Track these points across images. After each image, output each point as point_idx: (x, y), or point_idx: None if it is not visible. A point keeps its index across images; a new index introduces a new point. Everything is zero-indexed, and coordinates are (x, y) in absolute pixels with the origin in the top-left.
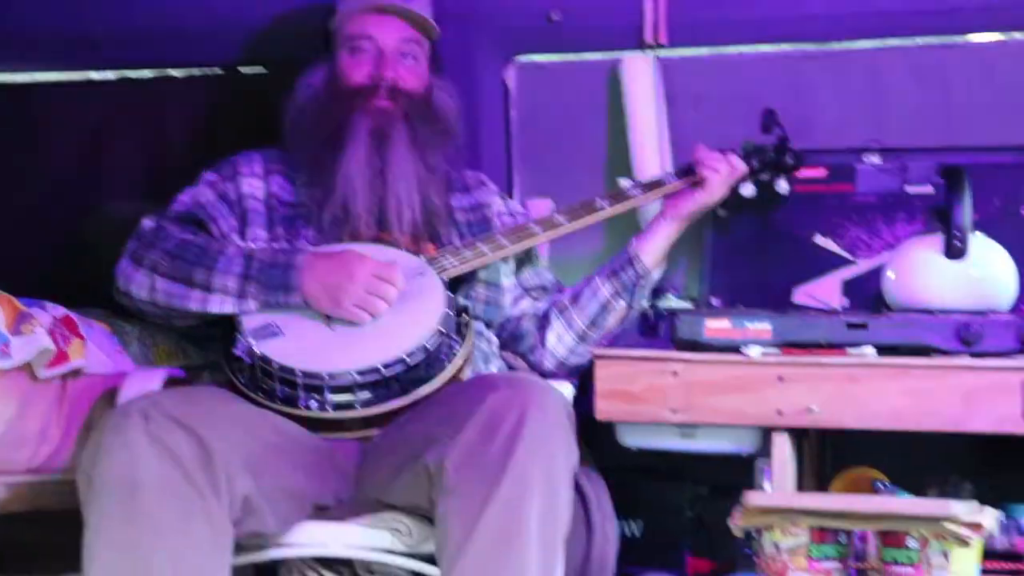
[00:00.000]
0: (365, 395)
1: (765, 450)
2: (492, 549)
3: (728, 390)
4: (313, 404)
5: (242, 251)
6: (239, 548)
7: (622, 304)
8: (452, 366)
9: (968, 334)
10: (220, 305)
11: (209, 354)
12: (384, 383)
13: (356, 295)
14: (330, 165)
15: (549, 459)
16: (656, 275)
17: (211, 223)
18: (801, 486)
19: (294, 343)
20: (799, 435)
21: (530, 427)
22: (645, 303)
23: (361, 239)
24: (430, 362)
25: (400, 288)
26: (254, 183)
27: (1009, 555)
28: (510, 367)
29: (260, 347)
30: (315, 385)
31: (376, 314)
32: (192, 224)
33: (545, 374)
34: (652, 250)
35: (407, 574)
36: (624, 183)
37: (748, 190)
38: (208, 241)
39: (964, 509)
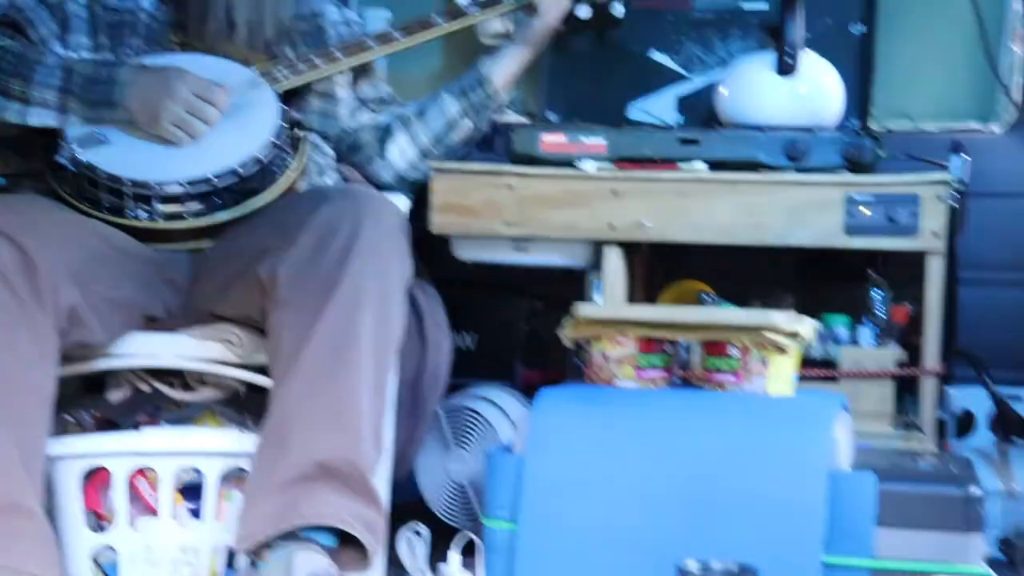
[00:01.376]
0: (195, 206)
1: (597, 264)
2: (324, 360)
3: (562, 204)
4: (141, 214)
5: (62, 62)
6: (65, 359)
7: (468, 124)
8: (285, 178)
9: (795, 150)
10: (40, 118)
11: (31, 161)
12: (215, 194)
13: (174, 114)
14: None
15: (383, 271)
16: (504, 98)
17: (28, 27)
18: (631, 299)
19: (121, 152)
20: (630, 249)
21: (364, 238)
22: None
23: (192, 49)
24: (263, 174)
25: (223, 109)
26: None
27: (824, 362)
28: (346, 180)
29: (85, 155)
30: (143, 195)
31: (195, 135)
32: (7, 27)
33: (382, 187)
34: (503, 73)
35: (239, 385)
36: (461, 0)
37: (583, 11)
38: (25, 48)
39: (783, 319)
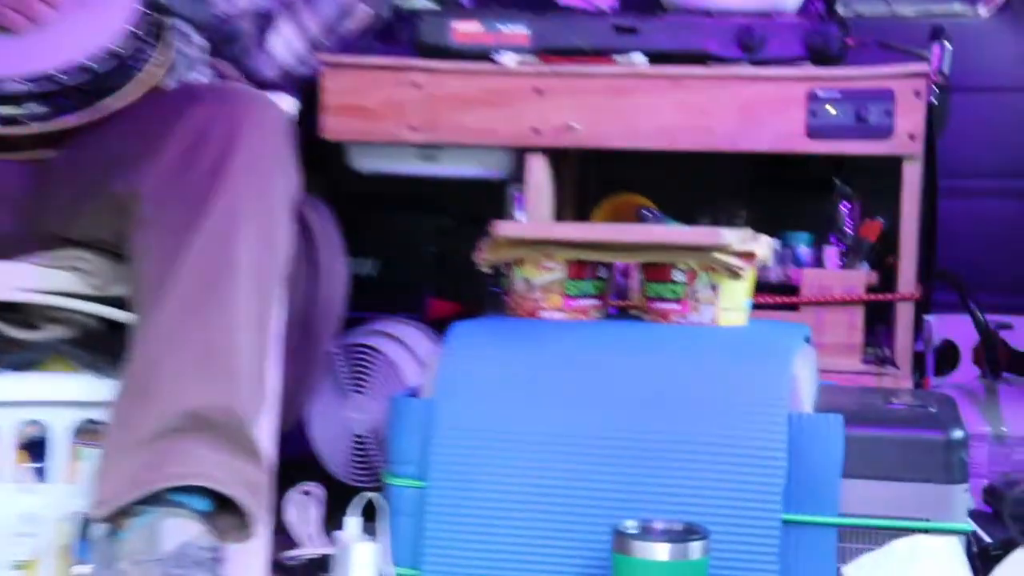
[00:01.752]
0: (37, 108)
1: (518, 174)
2: (197, 290)
3: (477, 105)
4: None
5: None
6: None
7: (366, 9)
8: (147, 75)
9: (749, 39)
10: None
11: None
12: (62, 94)
13: None
14: None
15: (265, 184)
16: None
17: None
18: (559, 215)
19: None
20: (557, 157)
21: (243, 146)
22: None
23: None
24: (120, 69)
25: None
26: None
27: (783, 287)
28: (221, 77)
29: None
30: None
31: (35, 19)
32: None
33: (264, 85)
34: None
35: (92, 321)
36: None
37: None
38: None
39: (736, 237)
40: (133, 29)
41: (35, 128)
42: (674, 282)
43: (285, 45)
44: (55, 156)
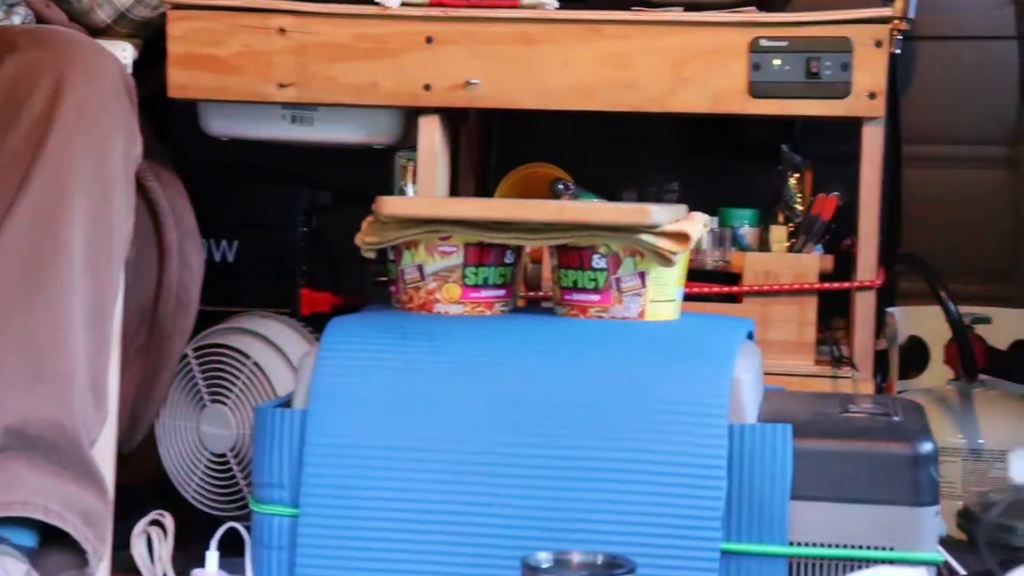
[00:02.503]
0: None
1: (407, 140)
2: (16, 279)
3: (357, 56)
4: None
5: None
6: None
7: None
8: None
9: None
10: None
11: None
12: None
13: None
14: None
15: (99, 150)
16: None
17: None
18: (456, 189)
19: None
20: (454, 119)
21: (70, 103)
22: None
23: None
24: None
25: None
26: None
27: (722, 275)
28: (41, 20)
29: None
30: None
31: None
32: None
33: (96, 31)
34: None
35: None
36: None
37: None
38: None
39: (667, 216)
40: None
41: None
42: (594, 269)
43: None
44: None
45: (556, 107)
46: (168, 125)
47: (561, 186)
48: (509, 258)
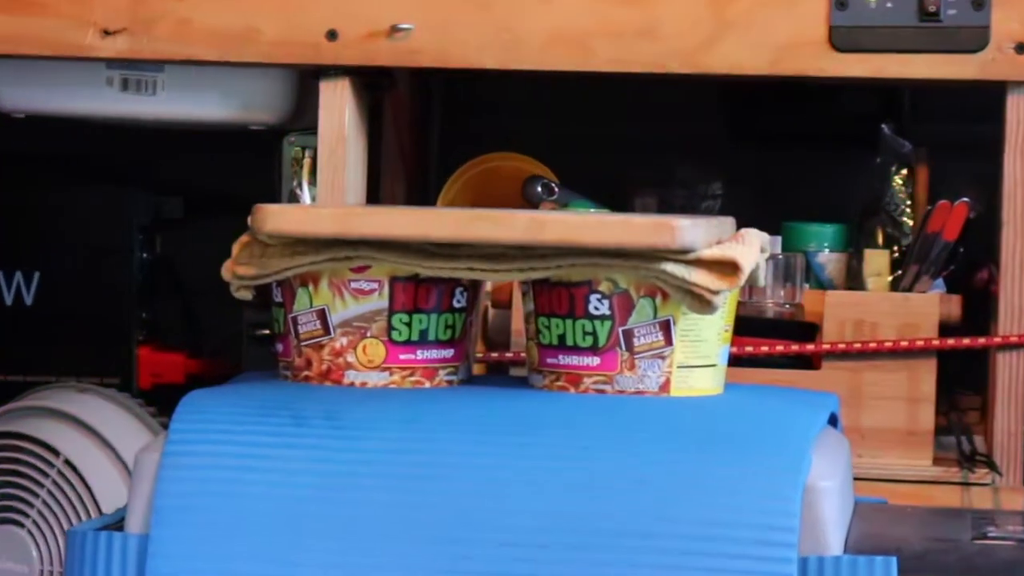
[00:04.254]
0: None
1: (303, 118)
2: None
3: None
4: None
5: None
6: None
7: None
8: None
9: None
10: None
11: None
12: None
13: None
14: None
15: None
16: None
17: None
18: (377, 193)
19: None
20: (375, 86)
21: None
22: None
23: None
24: None
25: None
26: None
27: (789, 325)
28: None
29: None
30: None
31: None
32: None
33: None
34: None
35: None
36: None
37: None
38: None
39: (704, 234)
40: None
41: None
42: (591, 316)
43: None
44: None
45: (531, 67)
46: None
47: (540, 188)
48: (460, 300)
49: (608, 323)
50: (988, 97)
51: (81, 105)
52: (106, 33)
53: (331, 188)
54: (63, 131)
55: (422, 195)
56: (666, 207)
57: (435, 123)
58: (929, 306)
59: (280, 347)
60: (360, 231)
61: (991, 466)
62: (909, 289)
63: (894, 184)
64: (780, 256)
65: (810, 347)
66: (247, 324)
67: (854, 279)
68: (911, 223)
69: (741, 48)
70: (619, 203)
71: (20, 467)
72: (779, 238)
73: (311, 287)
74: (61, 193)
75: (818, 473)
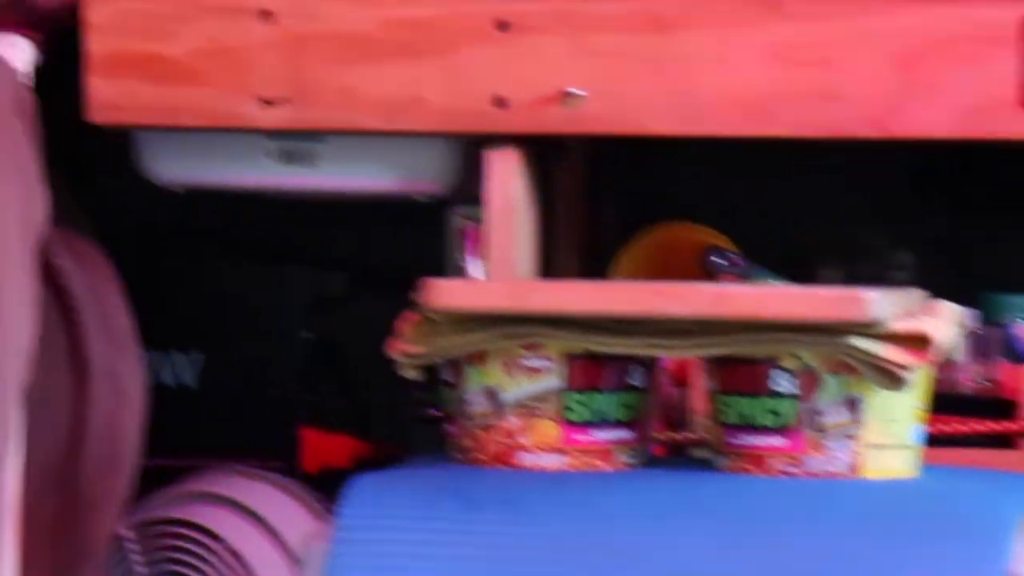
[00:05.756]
0: None
1: (469, 188)
2: None
3: (386, 54)
4: None
5: None
6: None
7: None
8: None
9: None
10: None
11: None
12: None
13: None
14: None
15: None
16: None
17: None
18: (549, 267)
19: None
20: (544, 153)
21: None
22: None
23: None
24: None
25: None
26: None
27: (988, 403)
28: None
29: None
30: None
31: None
32: None
33: None
34: None
35: None
36: None
37: None
38: None
39: (894, 307)
40: None
41: None
42: (776, 395)
43: None
44: None
45: (708, 132)
46: (88, 169)
47: (719, 258)
48: (637, 378)
49: (793, 401)
50: None
51: (240, 177)
52: (265, 103)
53: (501, 262)
54: (223, 205)
55: (596, 267)
56: (852, 278)
57: (609, 191)
58: None
59: (450, 429)
60: (532, 307)
61: None
62: None
63: None
64: (978, 330)
65: (1009, 425)
66: (415, 404)
67: None
68: None
69: (929, 110)
70: (803, 275)
71: (182, 555)
72: (974, 310)
73: (481, 365)
74: (221, 270)
75: (1022, 562)
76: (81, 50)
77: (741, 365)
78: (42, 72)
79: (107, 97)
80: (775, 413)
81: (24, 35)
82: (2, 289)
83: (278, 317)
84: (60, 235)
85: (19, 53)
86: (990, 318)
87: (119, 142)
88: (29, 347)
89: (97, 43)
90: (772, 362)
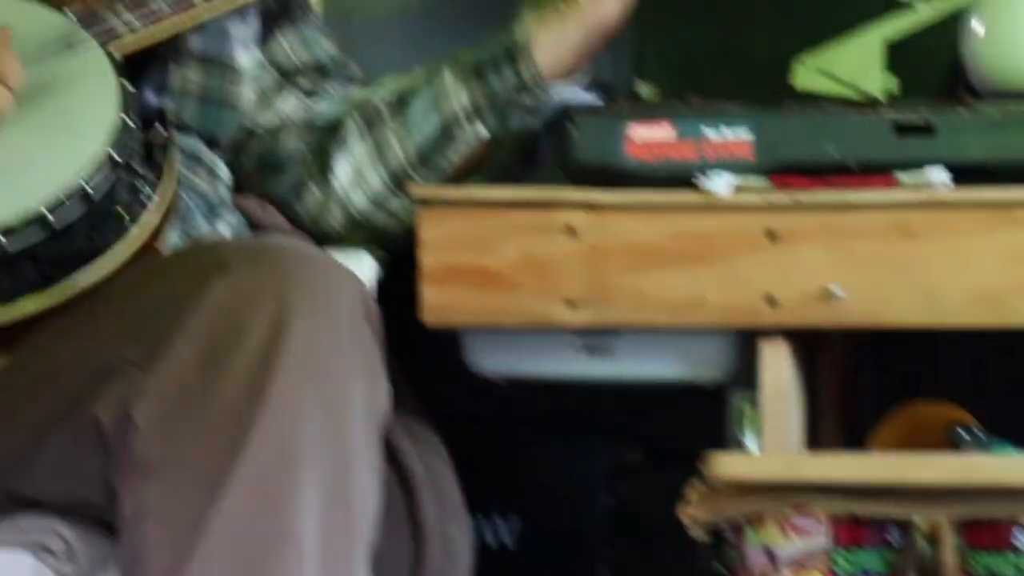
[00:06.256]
0: None
1: (746, 374)
2: None
3: (673, 261)
4: None
5: None
6: None
7: (481, 131)
8: (140, 227)
9: None
10: None
11: None
12: (5, 266)
13: None
14: None
15: (334, 403)
16: (558, 91)
17: None
18: (816, 440)
19: None
20: (810, 344)
21: (295, 341)
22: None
23: None
24: (96, 222)
25: (16, 85)
26: None
27: None
28: (254, 226)
29: None
30: None
31: None
32: None
33: (325, 238)
34: (555, 44)
35: None
36: None
37: None
38: None
39: None
40: (114, 153)
41: None
42: (1018, 551)
43: (355, 177)
44: (3, 366)
45: (952, 324)
46: (422, 363)
47: (964, 433)
48: (894, 536)
49: None
50: None
51: (550, 369)
52: (571, 305)
53: (774, 436)
54: (536, 391)
55: (855, 439)
56: None
57: (866, 373)
58: None
59: None
60: (803, 475)
61: None
62: None
63: None
64: None
65: None
66: (703, 562)
67: None
68: None
69: None
70: None
71: None
72: None
73: (759, 527)
74: (536, 445)
75: None
76: (416, 263)
77: (986, 525)
78: (384, 282)
79: (438, 302)
80: (1018, 568)
81: (369, 252)
82: (354, 465)
83: (584, 485)
84: (400, 419)
85: (364, 268)
86: None
87: (448, 340)
88: (375, 513)
89: (430, 257)
90: (1014, 521)
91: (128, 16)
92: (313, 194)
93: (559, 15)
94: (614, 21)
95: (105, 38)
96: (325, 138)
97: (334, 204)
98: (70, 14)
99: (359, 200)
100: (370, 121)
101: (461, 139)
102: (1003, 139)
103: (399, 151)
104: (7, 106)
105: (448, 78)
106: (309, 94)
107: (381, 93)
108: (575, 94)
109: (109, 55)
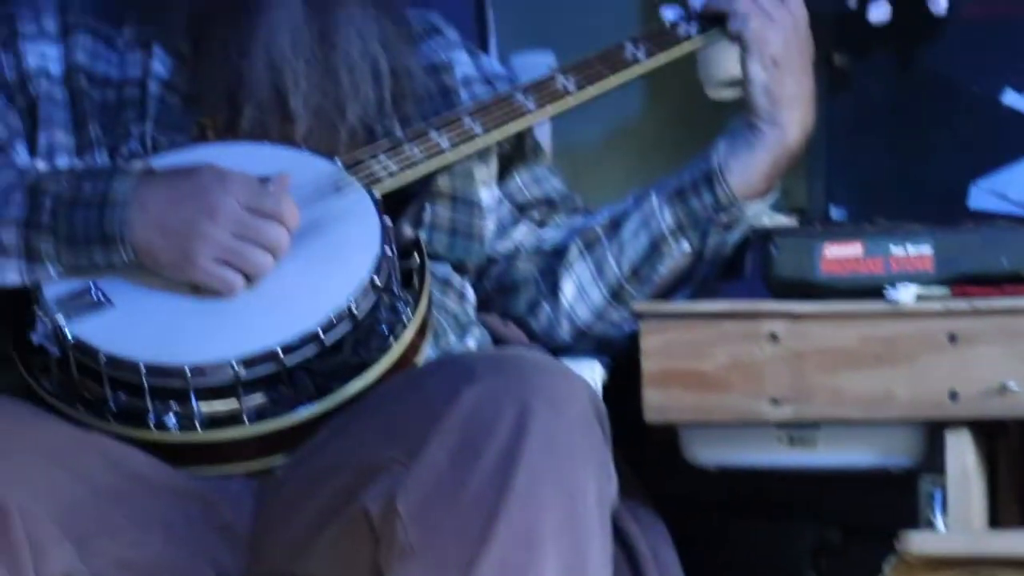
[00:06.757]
0: (256, 400)
1: (933, 461)
2: None
3: (865, 362)
4: (171, 420)
5: (23, 178)
6: None
7: (685, 247)
8: (400, 343)
9: None
10: None
11: None
12: (286, 379)
13: (218, 246)
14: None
15: (571, 490)
16: (753, 208)
17: None
18: (997, 519)
19: (131, 319)
20: (990, 434)
21: (536, 439)
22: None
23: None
24: (361, 338)
25: (293, 224)
26: (46, 49)
27: None
28: (497, 340)
29: (74, 328)
30: (172, 388)
31: (255, 275)
32: None
33: (557, 349)
34: (749, 169)
35: None
36: (670, 14)
37: (880, 12)
38: None
39: None
40: (376, 279)
41: (256, 428)
42: None
43: (577, 292)
44: (283, 464)
45: None
46: (643, 454)
47: None
48: None
49: None
50: None
51: (757, 459)
52: (774, 402)
53: (960, 516)
54: (745, 479)
55: None
56: None
57: None
58: None
59: None
60: (988, 551)
61: None
62: None
63: None
64: None
65: None
66: None
67: None
68: None
69: None
70: None
71: None
72: None
73: None
74: (745, 527)
75: None
76: (637, 368)
77: None
78: (609, 386)
79: (658, 402)
80: None
81: (597, 360)
82: (589, 546)
83: (788, 564)
84: (626, 504)
85: (593, 374)
86: None
87: (667, 436)
88: None
89: (650, 363)
90: None
91: (387, 161)
92: (545, 310)
93: (748, 143)
94: (796, 147)
95: (367, 181)
96: (553, 261)
97: (563, 318)
98: (338, 160)
99: (583, 313)
100: (590, 244)
101: (668, 254)
102: None
103: (615, 267)
104: (285, 242)
105: (655, 201)
106: (540, 224)
107: (598, 217)
108: (766, 212)
109: (371, 195)
